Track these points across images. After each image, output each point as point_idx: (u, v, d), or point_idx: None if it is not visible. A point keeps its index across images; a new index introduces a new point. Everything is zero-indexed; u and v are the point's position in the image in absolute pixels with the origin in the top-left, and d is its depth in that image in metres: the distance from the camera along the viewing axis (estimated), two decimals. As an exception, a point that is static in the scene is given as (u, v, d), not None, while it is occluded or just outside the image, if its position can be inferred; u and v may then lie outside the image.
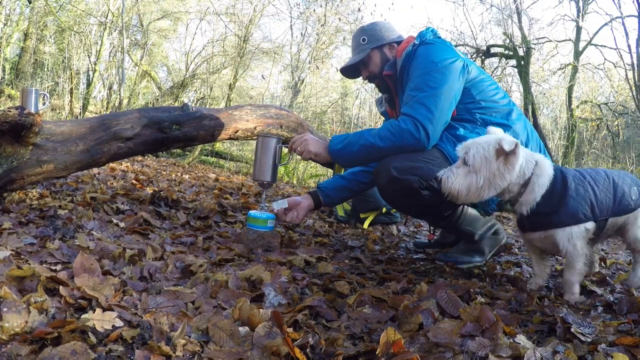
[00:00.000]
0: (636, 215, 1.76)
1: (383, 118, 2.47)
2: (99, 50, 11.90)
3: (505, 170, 1.58)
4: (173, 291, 1.38)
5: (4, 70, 12.29)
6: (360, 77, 2.39)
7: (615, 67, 12.09)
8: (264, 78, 13.61)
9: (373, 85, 2.47)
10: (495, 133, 1.67)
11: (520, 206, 1.67)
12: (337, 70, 3.68)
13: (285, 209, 2.23)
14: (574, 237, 1.63)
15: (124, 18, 10.96)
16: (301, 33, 14.08)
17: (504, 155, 1.57)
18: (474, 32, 12.36)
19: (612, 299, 1.70)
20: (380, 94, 2.42)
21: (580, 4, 11.91)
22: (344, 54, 14.76)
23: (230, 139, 2.97)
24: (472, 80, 2.01)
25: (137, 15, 13.22)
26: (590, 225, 1.66)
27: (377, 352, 1.10)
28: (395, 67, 2.15)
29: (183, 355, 1.05)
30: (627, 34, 9.54)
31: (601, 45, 11.85)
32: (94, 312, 1.09)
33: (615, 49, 11.11)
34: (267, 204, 2.26)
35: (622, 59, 10.87)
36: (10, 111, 1.94)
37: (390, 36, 2.24)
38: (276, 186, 5.44)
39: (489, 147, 1.58)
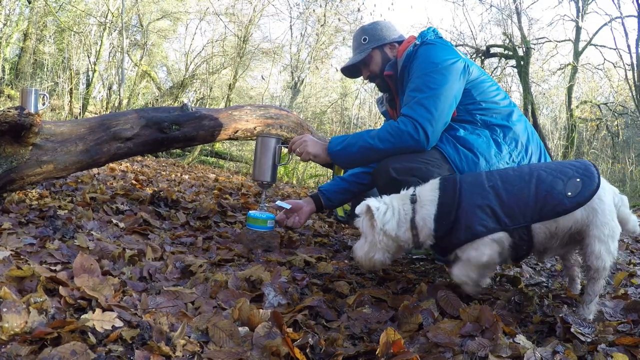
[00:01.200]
0: (592, 220, 1.44)
1: (383, 118, 2.47)
2: (99, 51, 11.90)
3: (374, 232, 1.56)
4: (173, 291, 1.38)
5: (3, 71, 12.29)
6: (361, 77, 2.39)
7: (614, 67, 12.14)
8: (263, 78, 13.63)
9: (373, 85, 2.46)
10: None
11: (425, 243, 1.59)
12: (337, 70, 3.67)
13: (287, 213, 2.23)
14: (480, 245, 1.47)
15: (124, 18, 10.96)
16: (301, 33, 14.10)
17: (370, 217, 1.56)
18: (473, 32, 12.42)
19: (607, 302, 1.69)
20: (380, 94, 2.42)
21: (580, 4, 11.95)
22: (344, 54, 14.78)
23: (229, 139, 2.97)
24: (472, 81, 2.01)
25: (136, 15, 13.24)
26: (499, 236, 1.45)
27: (377, 352, 1.10)
28: (396, 67, 2.15)
29: (183, 356, 1.05)
30: (626, 34, 9.59)
31: (601, 46, 11.92)
32: (93, 313, 1.09)
33: (614, 49, 11.18)
34: (266, 204, 2.26)
35: (621, 59, 10.93)
36: (10, 111, 1.94)
37: (391, 36, 2.23)
38: (276, 186, 5.44)
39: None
